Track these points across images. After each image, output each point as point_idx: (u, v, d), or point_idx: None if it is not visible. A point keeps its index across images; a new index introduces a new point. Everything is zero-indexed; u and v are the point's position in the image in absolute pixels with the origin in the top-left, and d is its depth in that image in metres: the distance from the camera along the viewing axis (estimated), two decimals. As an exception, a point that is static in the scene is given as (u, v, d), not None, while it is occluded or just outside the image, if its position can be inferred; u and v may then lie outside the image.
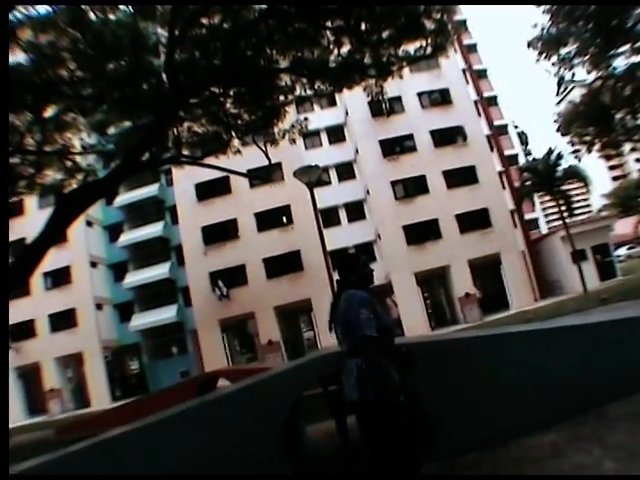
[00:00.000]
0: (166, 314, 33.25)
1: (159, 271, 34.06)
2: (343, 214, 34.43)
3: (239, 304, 29.88)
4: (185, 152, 15.57)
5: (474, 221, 31.53)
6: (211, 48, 11.77)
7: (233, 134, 15.53)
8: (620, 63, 16.50)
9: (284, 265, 30.69)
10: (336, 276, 3.82)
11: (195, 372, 29.21)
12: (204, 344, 30.45)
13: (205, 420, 4.49)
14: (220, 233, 31.25)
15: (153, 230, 34.86)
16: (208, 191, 31.52)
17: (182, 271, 32.97)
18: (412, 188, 32.31)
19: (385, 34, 12.11)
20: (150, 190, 35.23)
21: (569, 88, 17.89)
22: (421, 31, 12.06)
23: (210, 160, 15.68)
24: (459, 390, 4.54)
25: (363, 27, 11.74)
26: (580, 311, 15.86)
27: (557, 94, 18.41)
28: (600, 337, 5.09)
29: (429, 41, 12.64)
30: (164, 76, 11.98)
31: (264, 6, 11.02)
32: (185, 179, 30.18)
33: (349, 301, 3.19)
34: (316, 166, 14.00)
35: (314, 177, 13.73)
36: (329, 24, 11.65)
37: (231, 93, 13.74)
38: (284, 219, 32.12)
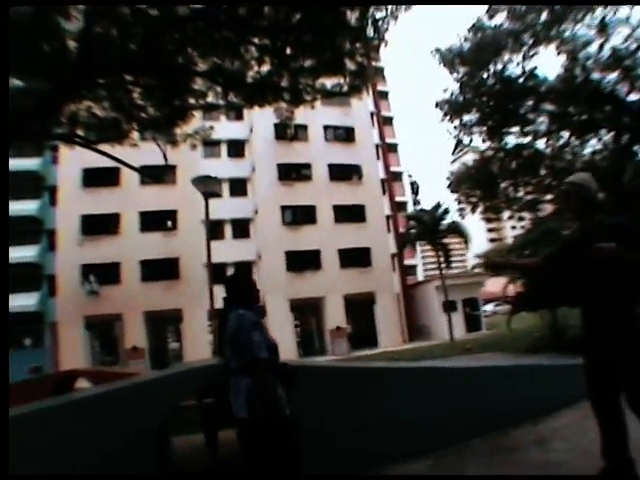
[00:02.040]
0: (25, 301, 30.26)
1: (25, 253, 31.17)
2: (229, 229, 34.12)
3: (108, 303, 28.27)
4: (79, 132, 14.70)
5: (355, 258, 32.57)
6: (131, 31, 11.22)
7: (134, 126, 14.88)
8: (511, 140, 18.28)
9: (161, 270, 29.83)
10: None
11: (48, 369, 26.78)
12: (63, 340, 28.32)
13: (66, 422, 4.06)
14: (100, 225, 29.60)
15: (26, 207, 31.59)
16: (95, 179, 29.56)
17: (51, 258, 30.66)
18: (301, 216, 32.93)
19: (307, 63, 12.27)
20: (30, 163, 31.82)
21: (464, 151, 19.27)
22: (342, 69, 12.37)
23: (104, 147, 14.92)
24: (331, 416, 4.62)
25: (288, 51, 11.84)
26: (445, 357, 16.75)
27: (452, 154, 19.67)
28: (464, 380, 5.59)
29: (347, 80, 13.00)
30: (70, 44, 11.12)
31: (198, 6, 10.77)
32: (73, 161, 27.80)
33: (241, 323, 3.19)
34: (215, 178, 13.78)
35: (211, 188, 13.48)
36: (256, 40, 11.64)
37: (141, 83, 13.19)
38: (169, 223, 31.32)
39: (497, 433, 5.14)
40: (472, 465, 4.47)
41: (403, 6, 10.61)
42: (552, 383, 5.87)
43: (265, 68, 12.61)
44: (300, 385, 3.29)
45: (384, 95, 43.64)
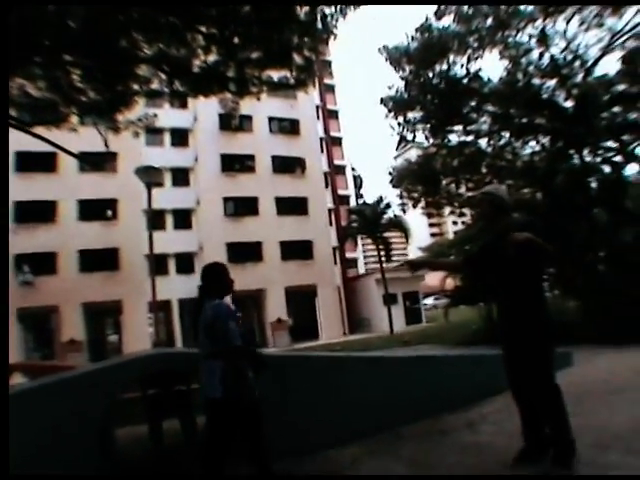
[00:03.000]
0: (-51, 291, 28.99)
1: (-50, 240, 29.84)
2: (170, 219, 33.64)
3: (44, 294, 27.03)
4: (11, 113, 14.08)
5: (297, 250, 32.90)
6: (71, 8, 10.69)
7: (73, 109, 14.32)
8: (454, 138, 18.83)
9: (100, 261, 28.89)
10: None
11: None
12: None
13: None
14: (36, 213, 28.19)
15: (-50, 192, 30.42)
16: (30, 163, 27.92)
17: (-20, 246, 29.22)
18: (243, 208, 32.93)
19: (254, 55, 12.22)
20: None
21: (408, 147, 19.70)
22: (289, 62, 12.37)
23: (40, 130, 14.37)
24: (282, 400, 4.77)
25: (235, 41, 11.74)
26: (384, 349, 17.12)
27: (396, 149, 19.97)
28: (401, 368, 5.90)
29: (294, 73, 13.03)
30: None
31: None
32: None
33: (217, 312, 3.44)
34: (159, 168, 13.64)
35: (155, 179, 13.31)
36: (203, 29, 11.47)
37: (81, 64, 12.65)
38: (109, 213, 30.46)
39: (431, 418, 5.43)
40: (408, 447, 4.74)
41: (352, 4, 10.69)
42: (483, 371, 6.17)
43: (212, 57, 12.44)
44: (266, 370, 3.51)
45: (330, 88, 43.88)
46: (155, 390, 5.45)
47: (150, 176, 13.08)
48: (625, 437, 4.10)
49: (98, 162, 25.40)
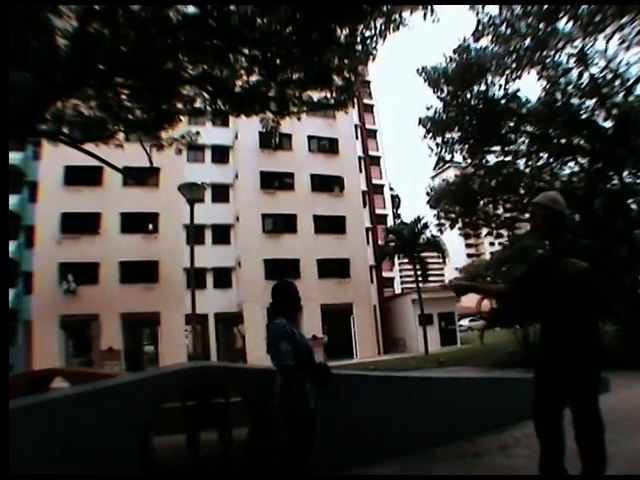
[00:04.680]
0: (-2, 298, 29.97)
1: (0, 249, 30.90)
2: (209, 234, 34.13)
3: (85, 303, 27.82)
4: (64, 130, 14.67)
5: (334, 269, 32.86)
6: (123, 33, 11.20)
7: (120, 127, 14.88)
8: (492, 159, 18.72)
9: (140, 273, 29.59)
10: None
11: (21, 367, 25.98)
12: (38, 339, 27.43)
13: (48, 419, 3.90)
14: (81, 224, 29.18)
15: (4, 203, 31.59)
16: (78, 177, 29.07)
17: (29, 255, 30.13)
18: (282, 225, 33.12)
19: (295, 76, 12.49)
20: (10, 157, 31.65)
21: (445, 167, 19.58)
22: (329, 83, 12.59)
23: (88, 146, 14.90)
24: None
25: (277, 62, 12.01)
26: (419, 369, 17.04)
27: (434, 169, 19.96)
28: (435, 389, 5.95)
29: (334, 94, 13.25)
30: (61, 42, 10.98)
31: (191, 10, 10.83)
32: (55, 157, 26.99)
33: (273, 333, 3.71)
34: (202, 184, 13.97)
35: (197, 195, 13.63)
36: (246, 50, 11.79)
37: (130, 85, 13.17)
38: (150, 226, 31.18)
39: (465, 440, 5.46)
40: (440, 468, 4.74)
41: (391, 26, 10.82)
42: (517, 394, 6.10)
43: (254, 78, 12.76)
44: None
45: (369, 108, 44.00)
46: (194, 402, 5.61)
47: (193, 192, 13.41)
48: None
49: (141, 177, 26.06)
